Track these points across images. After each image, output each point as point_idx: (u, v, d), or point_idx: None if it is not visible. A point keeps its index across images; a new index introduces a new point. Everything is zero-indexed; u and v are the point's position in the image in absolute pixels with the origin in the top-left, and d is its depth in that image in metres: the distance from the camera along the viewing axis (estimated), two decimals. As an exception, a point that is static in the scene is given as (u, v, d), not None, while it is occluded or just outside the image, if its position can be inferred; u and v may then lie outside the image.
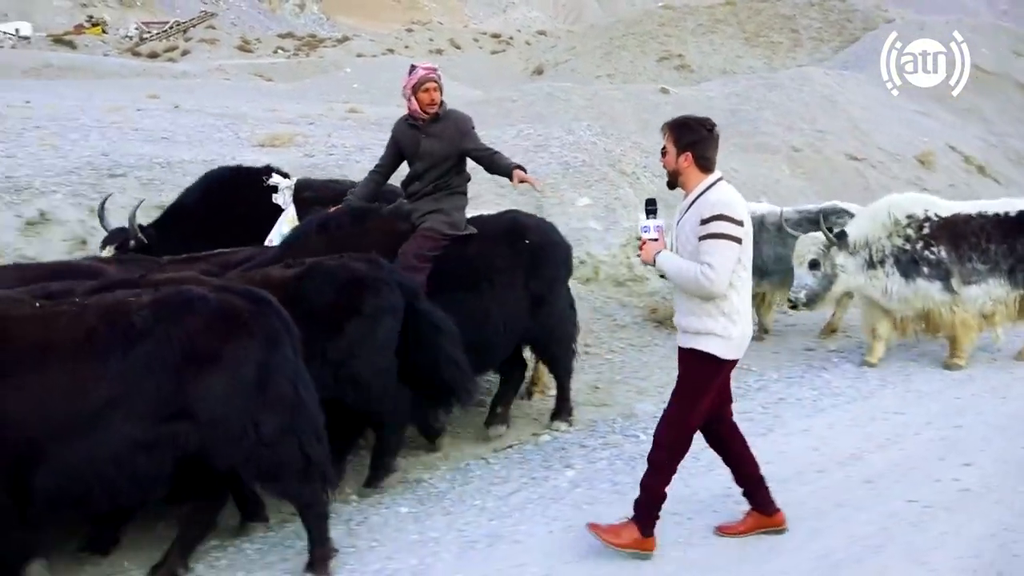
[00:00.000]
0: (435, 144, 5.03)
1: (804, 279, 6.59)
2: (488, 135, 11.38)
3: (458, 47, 56.26)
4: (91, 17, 60.90)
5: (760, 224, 7.15)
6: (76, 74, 32.89)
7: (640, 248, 3.86)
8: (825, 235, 6.57)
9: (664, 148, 3.74)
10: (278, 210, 6.03)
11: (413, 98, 5.01)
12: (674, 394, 3.78)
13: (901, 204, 6.77)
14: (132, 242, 5.65)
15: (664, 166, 3.78)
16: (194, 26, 58.16)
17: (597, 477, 4.75)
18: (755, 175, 11.97)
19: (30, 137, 9.34)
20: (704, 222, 3.56)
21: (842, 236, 6.59)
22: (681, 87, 18.30)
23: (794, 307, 6.80)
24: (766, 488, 3.98)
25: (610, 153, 10.31)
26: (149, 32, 56.76)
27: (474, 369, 4.77)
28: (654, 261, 3.75)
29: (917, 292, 6.57)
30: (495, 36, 61.76)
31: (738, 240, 3.56)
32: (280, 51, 53.45)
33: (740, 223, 3.58)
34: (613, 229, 8.67)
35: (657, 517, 3.78)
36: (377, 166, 5.37)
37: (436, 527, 4.13)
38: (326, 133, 12.03)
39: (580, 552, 3.80)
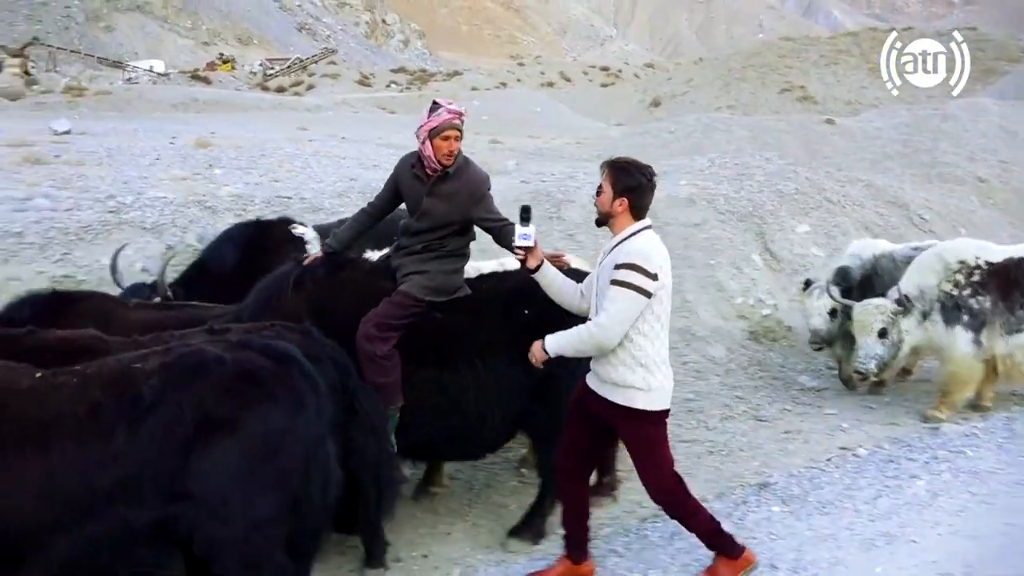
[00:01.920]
0: (439, 206, 4.22)
1: (873, 349, 6.17)
2: (673, 164, 11.53)
3: (568, 79, 56.97)
4: (222, 55, 64.40)
5: (892, 261, 6.87)
6: (218, 108, 34.70)
7: (520, 255, 3.79)
8: (903, 303, 6.17)
9: (600, 187, 3.65)
10: None
11: (429, 143, 4.14)
12: (634, 461, 3.75)
13: (953, 250, 6.41)
14: (158, 299, 5.16)
15: (596, 205, 3.69)
16: (316, 62, 60.74)
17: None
18: (947, 206, 11.69)
19: (266, 164, 9.96)
20: (616, 267, 3.50)
21: (906, 301, 6.20)
22: (844, 118, 18.06)
23: (864, 379, 6.50)
24: (587, 536, 3.91)
25: (813, 181, 10.28)
26: (272, 68, 59.50)
27: (455, 455, 4.53)
28: (537, 269, 3.78)
29: (947, 339, 6.16)
30: (604, 69, 62.28)
31: (647, 293, 3.47)
32: (393, 85, 55.28)
33: (653, 276, 3.47)
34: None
35: (731, 536, 3.81)
36: (370, 204, 4.59)
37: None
38: (485, 161, 12.34)
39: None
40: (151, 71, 56.93)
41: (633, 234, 3.56)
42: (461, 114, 4.19)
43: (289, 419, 3.02)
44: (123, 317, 4.28)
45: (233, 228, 6.08)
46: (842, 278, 6.74)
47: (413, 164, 4.29)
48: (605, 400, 3.64)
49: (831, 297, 6.59)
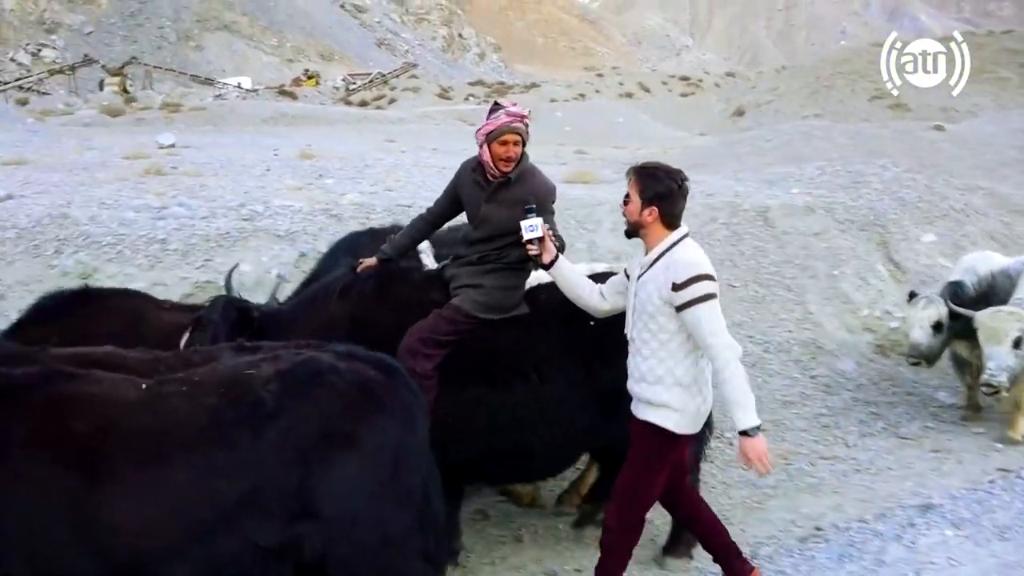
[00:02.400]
0: (499, 213, 3.88)
1: (1005, 359, 5.60)
2: (779, 172, 11.21)
3: (647, 90, 56.48)
4: (307, 70, 66.13)
5: (1008, 277, 6.24)
6: (307, 121, 35.59)
7: (532, 250, 3.60)
8: None
9: (627, 195, 3.40)
10: None
11: (487, 147, 3.83)
12: (624, 470, 3.44)
13: None
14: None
15: (625, 215, 3.42)
16: (396, 76, 61.78)
17: None
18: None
19: (373, 174, 10.08)
20: (677, 288, 3.21)
21: None
22: (952, 124, 17.34)
23: (995, 392, 5.73)
24: (739, 555, 3.60)
25: (933, 189, 9.84)
26: (355, 83, 60.76)
27: (516, 477, 4.25)
28: (552, 264, 3.62)
29: None
30: (683, 79, 61.56)
31: (716, 295, 3.26)
32: (471, 98, 55.78)
33: (714, 277, 3.28)
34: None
35: None
36: (428, 210, 4.30)
37: None
38: (577, 171, 12.20)
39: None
40: (239, 87, 58.85)
41: (674, 245, 3.33)
42: (523, 117, 3.85)
43: (405, 433, 2.90)
44: (156, 318, 4.21)
45: (348, 236, 5.99)
46: (955, 293, 6.20)
47: (474, 168, 4.00)
48: (638, 420, 3.40)
49: (947, 305, 6.07)
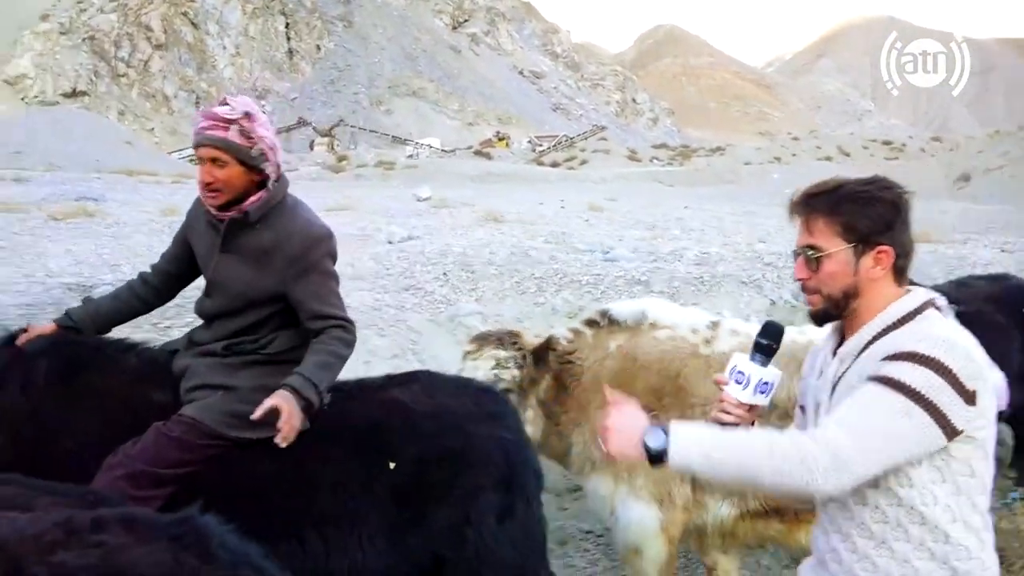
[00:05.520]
0: (240, 272, 2.51)
1: None
2: None
3: (847, 154, 54.18)
4: (498, 132, 68.48)
5: None
6: (512, 180, 36.41)
7: (729, 418, 1.86)
8: None
9: (811, 246, 1.78)
10: None
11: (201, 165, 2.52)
12: None
13: None
14: None
15: (811, 287, 1.80)
16: (586, 139, 62.64)
17: None
18: None
19: (691, 227, 9.58)
20: (886, 359, 1.66)
21: None
22: None
23: None
24: None
25: None
26: (540, 144, 62.12)
27: None
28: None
29: None
30: (886, 143, 58.66)
31: (950, 426, 1.62)
32: (655, 160, 55.54)
33: (970, 395, 1.61)
34: None
35: None
36: (153, 267, 2.78)
37: None
38: None
39: None
40: (430, 147, 61.64)
41: (906, 318, 1.74)
42: (231, 121, 2.38)
43: None
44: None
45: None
46: None
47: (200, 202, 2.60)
48: None
49: None
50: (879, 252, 1.74)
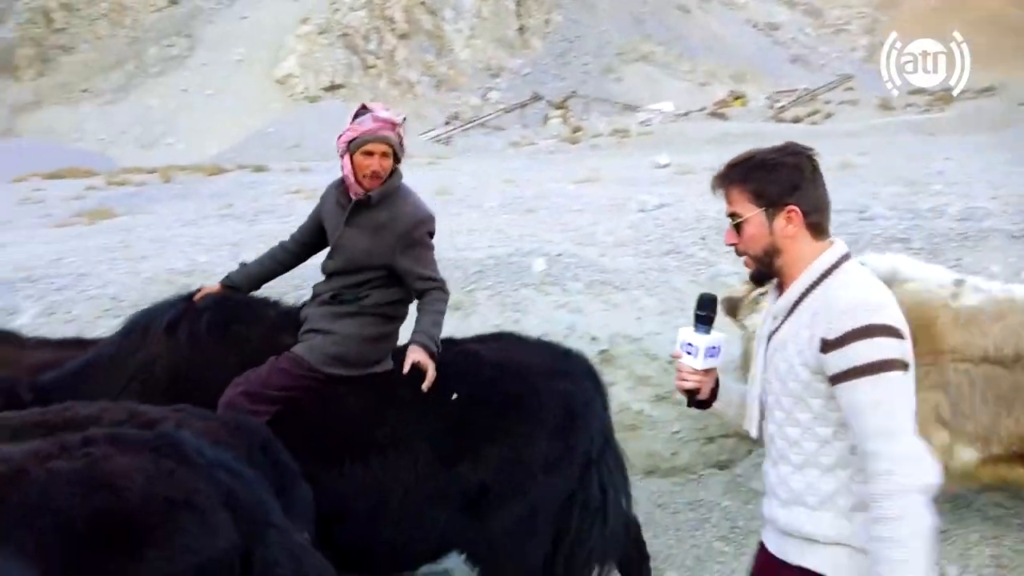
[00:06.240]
0: (357, 240, 3.23)
1: None
2: None
3: None
4: (733, 91, 66.32)
5: None
6: (750, 140, 35.24)
7: (681, 380, 2.15)
8: None
9: (733, 213, 2.05)
10: None
11: (348, 158, 3.19)
12: None
13: None
14: None
15: (740, 249, 2.08)
16: (831, 90, 59.00)
17: None
18: None
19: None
20: (828, 347, 1.86)
21: None
22: None
23: None
24: None
25: None
26: (779, 100, 59.24)
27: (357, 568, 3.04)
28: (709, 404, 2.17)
29: None
30: None
31: (905, 365, 1.86)
32: (910, 107, 50.91)
33: (899, 333, 1.86)
34: None
35: None
36: (292, 237, 3.57)
37: None
38: None
39: None
40: (662, 112, 60.94)
41: (827, 273, 1.98)
42: (395, 124, 3.16)
43: None
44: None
45: None
46: None
47: (337, 185, 3.37)
48: (789, 568, 2.05)
49: None
50: (789, 212, 2.01)
